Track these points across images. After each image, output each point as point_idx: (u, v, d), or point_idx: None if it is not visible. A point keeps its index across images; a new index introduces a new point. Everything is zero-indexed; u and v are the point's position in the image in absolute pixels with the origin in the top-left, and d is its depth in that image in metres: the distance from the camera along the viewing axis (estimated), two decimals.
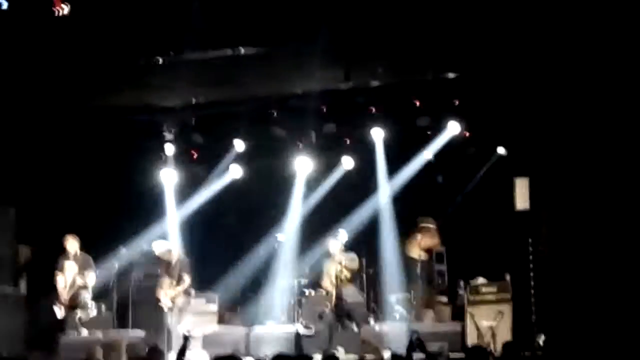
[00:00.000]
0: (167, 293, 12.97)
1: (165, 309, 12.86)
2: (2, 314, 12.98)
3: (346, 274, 12.88)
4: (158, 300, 13.06)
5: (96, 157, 14.28)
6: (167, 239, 14.06)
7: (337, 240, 13.09)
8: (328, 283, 12.96)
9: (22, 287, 13.71)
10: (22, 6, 12.00)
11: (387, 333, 12.39)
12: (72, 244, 12.96)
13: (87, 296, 12.83)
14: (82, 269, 12.86)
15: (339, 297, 12.72)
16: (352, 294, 12.87)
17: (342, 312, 12.71)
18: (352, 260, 13.00)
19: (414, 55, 12.30)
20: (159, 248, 13.40)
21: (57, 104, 13.15)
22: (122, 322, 13.29)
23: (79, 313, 12.71)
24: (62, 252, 13.02)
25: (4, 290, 13.18)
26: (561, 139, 11.57)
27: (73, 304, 12.77)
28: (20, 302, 13.51)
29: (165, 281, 13.11)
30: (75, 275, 12.85)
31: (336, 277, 12.82)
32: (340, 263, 12.89)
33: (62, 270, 12.89)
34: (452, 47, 11.98)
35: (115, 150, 14.25)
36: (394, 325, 12.74)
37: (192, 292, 13.28)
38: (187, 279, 13.12)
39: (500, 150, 13.64)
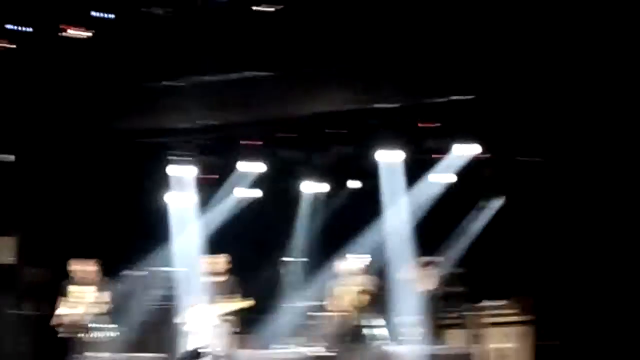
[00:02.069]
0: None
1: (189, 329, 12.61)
2: (8, 335, 12.90)
3: (366, 296, 12.79)
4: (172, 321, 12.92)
5: (106, 180, 14.20)
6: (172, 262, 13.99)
7: (355, 262, 12.99)
8: (341, 305, 12.87)
9: (28, 309, 13.59)
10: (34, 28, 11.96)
11: (403, 356, 12.32)
12: (77, 268, 12.82)
13: (93, 319, 12.67)
14: (95, 291, 12.70)
15: (355, 319, 12.64)
16: (370, 316, 12.79)
17: (358, 334, 12.64)
18: (368, 282, 12.93)
19: (426, 77, 12.33)
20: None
21: (68, 127, 13.09)
22: (133, 345, 13.18)
23: (85, 336, 12.57)
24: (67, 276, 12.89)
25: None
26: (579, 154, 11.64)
27: (78, 327, 12.61)
28: (28, 324, 13.39)
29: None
30: (81, 298, 12.68)
31: (356, 299, 12.74)
32: (358, 285, 12.81)
33: (65, 294, 12.75)
34: (466, 69, 12.03)
35: (124, 173, 14.19)
36: (409, 348, 12.70)
37: None
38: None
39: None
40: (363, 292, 12.77)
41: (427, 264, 13.28)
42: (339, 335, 12.71)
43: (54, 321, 12.61)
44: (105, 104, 12.66)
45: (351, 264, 12.98)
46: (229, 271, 12.88)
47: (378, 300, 12.99)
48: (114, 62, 12.09)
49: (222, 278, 12.76)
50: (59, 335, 12.57)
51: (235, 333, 13.20)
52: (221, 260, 12.94)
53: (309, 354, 12.46)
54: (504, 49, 11.71)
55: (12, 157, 12.69)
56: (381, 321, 12.93)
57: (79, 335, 12.46)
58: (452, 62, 11.98)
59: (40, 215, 13.69)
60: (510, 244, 13.53)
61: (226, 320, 12.65)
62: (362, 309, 12.71)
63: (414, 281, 13.35)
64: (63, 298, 12.69)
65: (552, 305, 12.01)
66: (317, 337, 12.96)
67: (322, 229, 14.97)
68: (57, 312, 12.59)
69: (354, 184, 14.83)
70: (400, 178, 14.18)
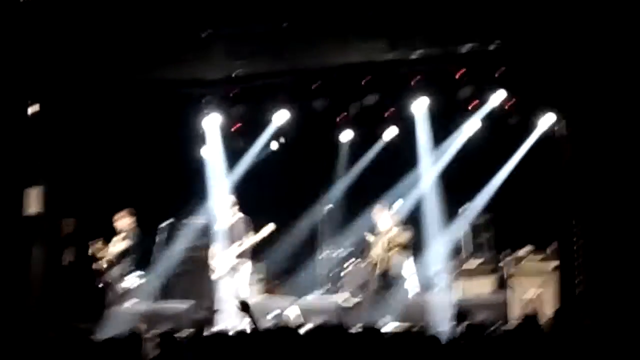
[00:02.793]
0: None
1: (216, 277, 12.72)
2: (49, 285, 13.21)
3: (394, 244, 12.79)
4: (206, 269, 13.09)
5: (140, 131, 14.35)
6: (211, 211, 14.16)
7: (389, 211, 12.98)
8: (374, 253, 12.91)
9: (66, 259, 13.89)
10: None
11: (432, 304, 12.34)
12: (123, 218, 13.05)
13: (122, 267, 12.88)
14: (123, 239, 12.92)
15: (383, 268, 12.69)
16: (398, 265, 12.81)
17: (386, 283, 12.70)
18: (402, 231, 12.92)
19: (456, 25, 12.16)
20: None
21: (100, 78, 13.21)
22: (167, 293, 13.45)
23: (117, 285, 12.82)
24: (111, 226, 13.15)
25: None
26: (606, 104, 11.37)
27: (110, 276, 12.87)
28: (65, 274, 13.70)
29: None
30: (113, 246, 12.93)
31: (384, 248, 12.77)
32: (389, 234, 12.82)
33: (105, 243, 13.02)
34: (494, 16, 11.83)
35: (158, 124, 14.32)
36: (439, 297, 12.72)
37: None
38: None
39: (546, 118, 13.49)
40: (393, 240, 12.80)
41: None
42: (368, 283, 12.80)
43: (94, 269, 12.93)
44: (138, 54, 12.69)
45: (384, 213, 12.99)
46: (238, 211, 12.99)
47: (408, 249, 13.01)
48: (146, 12, 12.11)
49: (231, 220, 12.84)
50: (96, 284, 12.90)
51: (264, 280, 13.43)
52: (228, 202, 13.02)
53: (338, 301, 12.55)
54: None
55: (37, 107, 12.80)
56: (411, 269, 12.97)
57: (111, 283, 12.75)
58: (484, 10, 11.76)
59: (69, 166, 13.87)
60: (537, 190, 13.38)
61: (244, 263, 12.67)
62: (392, 257, 12.76)
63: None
64: (104, 247, 13.00)
65: (578, 251, 11.84)
66: (348, 285, 13.08)
67: (357, 179, 14.94)
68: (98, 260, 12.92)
69: (387, 134, 14.73)
70: (433, 127, 14.14)
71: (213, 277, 12.80)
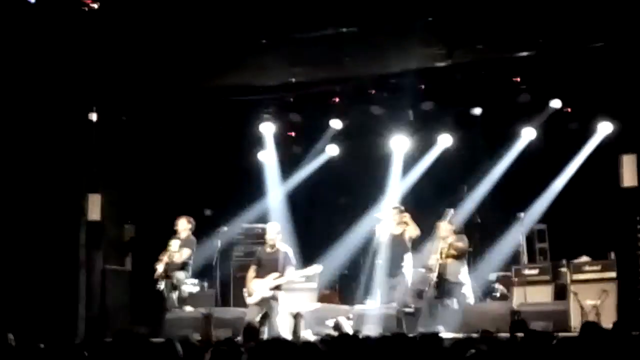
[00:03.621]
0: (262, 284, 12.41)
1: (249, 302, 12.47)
2: (109, 290, 13.39)
3: (451, 252, 12.73)
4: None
5: (199, 138, 14.50)
6: (268, 218, 14.24)
7: (447, 222, 12.90)
8: (434, 261, 12.84)
9: (127, 264, 14.06)
10: None
11: (490, 312, 12.25)
12: (181, 225, 13.14)
13: (181, 274, 12.97)
14: (181, 247, 13.00)
15: (440, 275, 12.62)
16: (454, 273, 12.75)
17: (442, 291, 12.63)
18: (459, 240, 12.86)
19: (514, 31, 12.09)
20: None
21: (159, 85, 13.37)
22: (224, 299, 13.53)
23: (172, 290, 12.89)
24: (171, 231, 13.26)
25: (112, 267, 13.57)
26: None
27: (171, 282, 12.95)
28: (126, 279, 13.87)
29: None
30: (173, 253, 13.00)
31: (440, 255, 12.72)
32: (447, 241, 12.77)
33: (166, 249, 13.13)
34: (552, 22, 11.74)
35: (216, 131, 14.45)
36: (496, 305, 12.63)
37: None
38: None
39: (605, 126, 13.36)
40: (452, 246, 12.72)
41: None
42: (425, 290, 12.73)
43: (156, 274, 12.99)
44: (197, 62, 12.82)
45: (444, 225, 12.89)
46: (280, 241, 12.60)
47: (464, 257, 12.94)
48: (206, 20, 12.21)
49: (271, 250, 12.53)
50: (156, 289, 12.99)
51: (318, 288, 13.44)
52: (271, 230, 12.62)
53: (392, 310, 12.49)
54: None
55: (95, 115, 13.00)
56: (466, 277, 12.89)
57: (167, 289, 12.82)
58: (542, 16, 11.68)
59: (130, 172, 14.05)
60: (594, 199, 13.24)
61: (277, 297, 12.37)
62: (449, 264, 12.69)
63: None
64: (164, 252, 13.08)
65: (636, 262, 11.72)
66: (403, 293, 13.01)
67: (413, 186, 14.88)
68: (157, 266, 13.00)
69: (442, 139, 14.68)
70: (490, 133, 14.06)
71: (247, 300, 12.48)
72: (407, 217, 13.09)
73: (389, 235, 13.04)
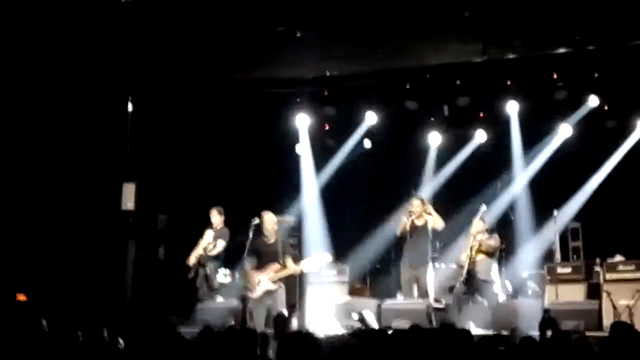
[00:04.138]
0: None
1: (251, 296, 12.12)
2: (143, 279, 13.51)
3: (482, 249, 12.68)
4: None
5: (234, 129, 14.55)
6: (303, 210, 14.30)
7: (479, 218, 12.83)
8: (464, 258, 12.81)
9: (160, 254, 14.15)
10: None
11: (520, 310, 12.17)
12: (214, 217, 13.20)
13: (212, 266, 13.02)
14: (215, 238, 13.06)
15: (470, 272, 12.58)
16: (485, 270, 12.70)
17: (472, 287, 12.59)
18: (491, 238, 12.79)
19: (551, 27, 12.00)
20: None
21: (195, 77, 13.44)
22: None
23: (211, 280, 12.93)
24: (203, 222, 13.31)
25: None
26: None
27: (202, 272, 13.00)
28: (159, 268, 13.96)
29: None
30: (207, 245, 13.06)
31: (471, 251, 12.68)
32: (477, 239, 12.71)
33: (202, 238, 13.19)
34: (590, 19, 11.63)
35: (252, 122, 14.50)
36: (528, 303, 12.56)
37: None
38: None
39: None
40: (483, 243, 12.68)
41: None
42: (454, 287, 12.70)
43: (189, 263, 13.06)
44: (234, 54, 12.86)
45: (478, 222, 12.82)
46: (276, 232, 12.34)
47: (495, 254, 12.88)
48: (243, 12, 12.24)
49: (269, 241, 12.27)
50: (189, 278, 13.08)
51: (348, 282, 13.45)
52: (269, 220, 12.38)
53: (422, 305, 12.47)
54: None
55: (130, 107, 13.11)
56: (496, 275, 12.84)
57: (200, 279, 12.89)
58: (578, 13, 11.58)
59: (164, 163, 14.14)
60: (629, 198, 13.13)
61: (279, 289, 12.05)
62: (479, 261, 12.65)
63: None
64: (200, 241, 13.15)
65: None
66: (435, 288, 12.98)
67: (446, 181, 14.85)
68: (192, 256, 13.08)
69: (477, 135, 14.63)
70: (526, 131, 13.98)
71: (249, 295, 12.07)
72: (430, 207, 13.04)
73: (412, 226, 12.99)
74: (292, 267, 12.07)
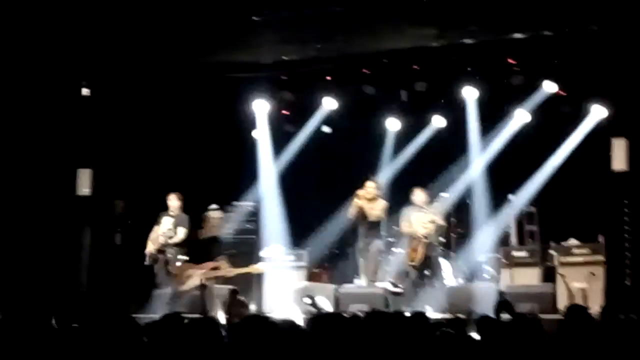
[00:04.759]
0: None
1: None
2: (99, 266, 13.40)
3: (433, 227, 12.65)
4: (255, 252, 13.24)
5: (191, 114, 14.46)
6: (261, 195, 14.26)
7: (427, 194, 12.83)
8: (410, 232, 12.75)
9: (117, 240, 14.04)
10: None
11: (476, 293, 12.27)
12: (172, 202, 13.11)
13: (173, 251, 12.91)
14: (175, 225, 12.97)
15: (426, 255, 12.61)
16: (439, 253, 12.77)
17: (429, 270, 12.62)
18: (441, 216, 12.78)
19: (508, 12, 12.04)
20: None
21: (152, 61, 13.31)
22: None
23: (169, 267, 12.84)
24: (161, 207, 13.22)
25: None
26: None
27: (161, 258, 12.91)
28: (116, 254, 13.85)
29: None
30: (167, 231, 12.98)
31: (424, 228, 12.64)
32: (429, 217, 12.67)
33: (158, 224, 13.10)
34: (547, 4, 11.69)
35: (209, 107, 14.41)
36: (484, 286, 12.65)
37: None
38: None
39: (597, 110, 13.38)
40: (432, 223, 12.63)
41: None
42: (409, 271, 12.71)
43: (146, 250, 12.96)
44: (189, 38, 12.74)
45: (425, 196, 12.83)
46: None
47: (448, 235, 12.94)
48: None
49: (209, 234, 12.16)
50: (145, 264, 12.98)
51: (306, 267, 13.48)
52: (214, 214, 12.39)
53: (379, 290, 12.52)
54: None
55: (87, 90, 12.96)
56: (451, 258, 12.93)
57: (159, 266, 12.79)
58: None
59: (120, 148, 14.01)
60: (585, 183, 13.27)
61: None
62: (431, 244, 12.62)
63: None
64: (155, 227, 13.06)
65: (628, 245, 11.74)
66: (392, 273, 13.04)
67: (404, 166, 14.90)
68: (149, 242, 12.99)
69: (435, 120, 14.70)
70: (482, 116, 14.05)
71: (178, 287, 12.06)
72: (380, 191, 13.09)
73: (364, 210, 12.98)
74: (225, 268, 11.86)
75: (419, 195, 12.77)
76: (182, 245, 12.84)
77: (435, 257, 12.64)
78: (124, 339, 6.32)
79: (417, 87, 14.02)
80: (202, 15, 12.16)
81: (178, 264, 11.78)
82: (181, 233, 12.79)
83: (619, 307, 10.81)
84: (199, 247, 11.90)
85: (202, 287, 11.59)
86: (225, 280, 12.04)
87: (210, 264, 11.78)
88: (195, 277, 11.71)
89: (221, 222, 12.22)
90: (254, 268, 12.05)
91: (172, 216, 12.97)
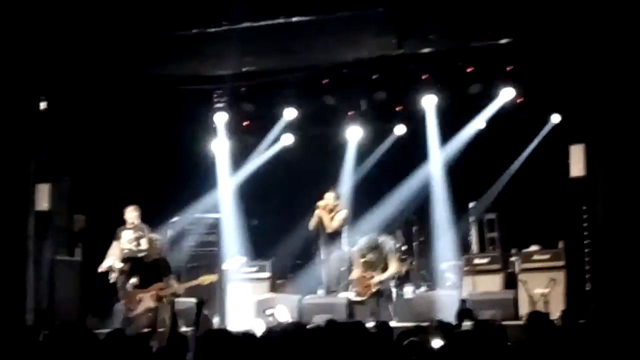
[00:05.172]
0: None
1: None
2: (59, 281, 13.25)
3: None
4: (217, 265, 13.21)
5: (149, 127, 14.37)
6: (221, 207, 14.19)
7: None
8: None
9: (77, 255, 13.90)
10: None
11: (438, 301, 12.33)
12: (130, 214, 13.02)
13: (122, 277, 12.72)
14: (137, 238, 12.88)
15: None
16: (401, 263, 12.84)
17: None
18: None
19: (466, 21, 12.13)
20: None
21: (110, 74, 13.21)
22: None
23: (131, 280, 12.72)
24: (122, 222, 13.14)
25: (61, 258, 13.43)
26: (617, 104, 11.31)
27: (127, 272, 12.78)
28: (76, 269, 13.72)
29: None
30: (129, 243, 12.89)
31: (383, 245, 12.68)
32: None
33: (118, 239, 13.01)
34: (505, 12, 11.79)
35: (167, 120, 14.33)
36: (446, 294, 12.70)
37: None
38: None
39: (555, 117, 13.53)
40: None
41: None
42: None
43: (103, 266, 12.86)
44: (144, 51, 12.64)
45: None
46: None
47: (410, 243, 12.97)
48: (157, 8, 12.08)
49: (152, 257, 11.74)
50: (109, 279, 12.88)
51: (269, 278, 13.45)
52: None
53: (343, 300, 12.52)
54: None
55: (44, 104, 12.82)
56: (412, 266, 12.95)
57: (120, 280, 12.68)
58: (494, 5, 11.73)
59: (80, 162, 13.91)
60: (544, 189, 13.38)
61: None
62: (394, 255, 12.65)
63: None
64: (115, 242, 12.96)
65: (587, 250, 11.84)
66: (350, 284, 13.01)
67: (366, 175, 14.94)
68: (107, 257, 12.87)
69: (396, 129, 14.76)
70: (443, 124, 14.11)
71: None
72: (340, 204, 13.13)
73: (324, 221, 13.06)
74: (174, 286, 11.63)
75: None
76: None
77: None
78: (84, 354, 6.27)
79: (377, 96, 14.06)
80: (162, 27, 12.12)
81: (128, 288, 11.64)
82: (144, 244, 12.70)
83: (579, 311, 10.96)
84: (146, 270, 11.77)
85: (155, 309, 11.42)
86: (178, 297, 11.91)
87: (159, 285, 11.60)
88: (146, 300, 11.55)
89: (161, 243, 12.07)
90: (203, 279, 11.94)
91: (130, 228, 12.89)
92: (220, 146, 14.83)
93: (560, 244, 12.45)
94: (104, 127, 14.04)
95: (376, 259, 12.48)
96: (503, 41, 12.55)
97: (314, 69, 13.80)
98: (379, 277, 12.32)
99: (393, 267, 12.45)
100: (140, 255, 12.44)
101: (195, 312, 11.27)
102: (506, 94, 13.48)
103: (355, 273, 12.58)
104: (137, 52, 12.70)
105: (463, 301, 11.44)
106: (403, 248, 13.68)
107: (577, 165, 12.04)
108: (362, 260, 12.52)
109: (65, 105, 13.39)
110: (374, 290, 12.27)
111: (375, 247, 12.51)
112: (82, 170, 13.92)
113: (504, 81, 13.37)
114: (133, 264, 11.99)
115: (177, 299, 11.61)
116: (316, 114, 14.59)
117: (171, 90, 13.87)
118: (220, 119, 14.59)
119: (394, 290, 12.69)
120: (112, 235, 13.10)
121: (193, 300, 12.36)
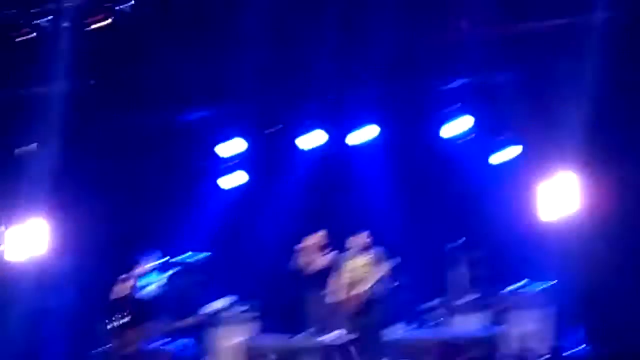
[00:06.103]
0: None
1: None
2: None
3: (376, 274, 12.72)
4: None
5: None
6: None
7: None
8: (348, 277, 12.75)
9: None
10: None
11: (425, 341, 12.34)
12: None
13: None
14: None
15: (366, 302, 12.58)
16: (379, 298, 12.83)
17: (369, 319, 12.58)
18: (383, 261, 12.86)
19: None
20: None
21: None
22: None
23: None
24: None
25: None
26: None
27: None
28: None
29: None
30: None
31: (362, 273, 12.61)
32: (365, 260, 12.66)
33: None
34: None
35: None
36: (432, 333, 12.80)
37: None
38: None
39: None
40: (369, 265, 12.57)
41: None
42: (351, 320, 12.67)
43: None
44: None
45: (360, 240, 12.74)
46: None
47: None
48: None
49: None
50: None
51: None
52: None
53: (336, 341, 12.56)
54: None
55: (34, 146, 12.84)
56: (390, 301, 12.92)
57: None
58: None
59: (74, 203, 13.95)
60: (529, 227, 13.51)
61: None
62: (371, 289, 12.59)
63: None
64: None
65: (573, 289, 12.04)
66: (333, 324, 12.99)
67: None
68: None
69: None
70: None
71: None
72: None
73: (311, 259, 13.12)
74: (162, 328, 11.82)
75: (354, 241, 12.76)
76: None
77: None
78: None
79: None
80: None
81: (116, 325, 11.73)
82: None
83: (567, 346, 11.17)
84: (137, 309, 11.84)
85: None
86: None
87: (149, 324, 11.69)
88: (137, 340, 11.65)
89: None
90: (189, 320, 11.95)
91: None
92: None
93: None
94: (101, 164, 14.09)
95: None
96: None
97: None
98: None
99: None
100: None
101: None
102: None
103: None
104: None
105: (450, 340, 11.44)
106: None
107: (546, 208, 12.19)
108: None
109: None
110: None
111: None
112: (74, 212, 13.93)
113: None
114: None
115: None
116: None
117: None
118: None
119: None
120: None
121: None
